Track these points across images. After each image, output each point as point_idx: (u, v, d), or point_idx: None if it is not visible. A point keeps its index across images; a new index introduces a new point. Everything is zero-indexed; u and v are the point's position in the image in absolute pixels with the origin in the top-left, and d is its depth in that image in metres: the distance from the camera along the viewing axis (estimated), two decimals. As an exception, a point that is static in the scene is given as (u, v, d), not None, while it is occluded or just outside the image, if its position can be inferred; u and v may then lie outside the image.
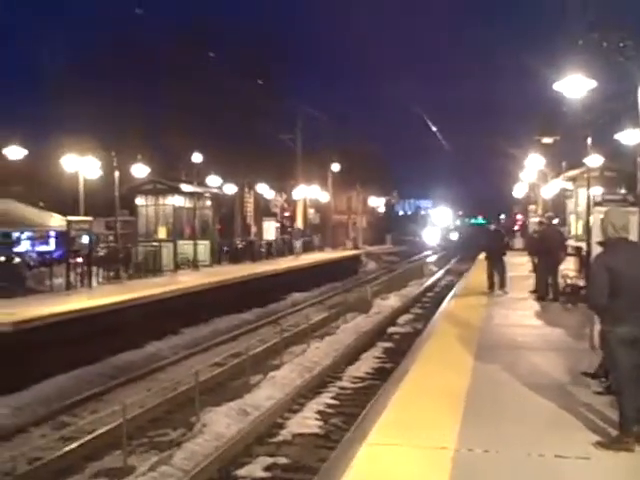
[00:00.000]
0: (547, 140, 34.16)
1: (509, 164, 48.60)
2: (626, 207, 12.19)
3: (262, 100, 40.61)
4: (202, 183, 35.17)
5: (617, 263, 6.15)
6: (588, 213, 17.84)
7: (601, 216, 6.94)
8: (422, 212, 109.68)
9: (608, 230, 6.40)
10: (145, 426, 11.49)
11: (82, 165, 23.77)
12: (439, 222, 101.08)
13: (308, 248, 45.28)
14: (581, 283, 16.77)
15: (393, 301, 27.46)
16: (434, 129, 51.09)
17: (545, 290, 17.04)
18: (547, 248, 16.98)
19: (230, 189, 38.73)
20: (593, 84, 14.03)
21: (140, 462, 9.69)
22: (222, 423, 11.16)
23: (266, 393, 13.08)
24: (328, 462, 7.57)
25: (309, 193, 47.88)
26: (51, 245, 30.52)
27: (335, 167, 52.23)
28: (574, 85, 13.91)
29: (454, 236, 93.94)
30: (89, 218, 22.64)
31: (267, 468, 9.51)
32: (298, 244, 41.66)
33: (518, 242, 44.23)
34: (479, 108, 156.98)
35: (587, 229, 17.10)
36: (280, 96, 44.03)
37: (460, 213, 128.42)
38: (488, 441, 6.27)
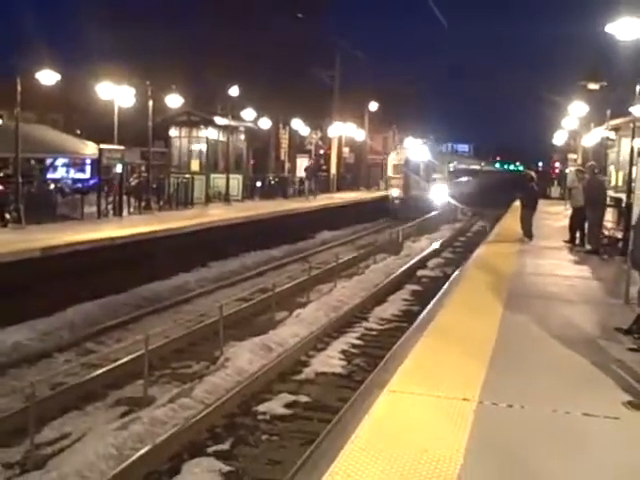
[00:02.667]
0: (593, 86, 32.97)
1: (549, 111, 47.43)
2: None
3: (300, 35, 39.82)
4: (237, 117, 34.84)
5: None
6: (631, 164, 17.28)
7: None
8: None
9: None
10: (168, 357, 11.52)
11: (117, 93, 23.51)
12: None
13: (341, 187, 44.89)
14: (619, 235, 16.32)
15: (424, 244, 27.21)
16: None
17: (596, 242, 16.43)
18: (590, 199, 16.40)
19: (265, 124, 38.32)
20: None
21: (161, 393, 9.70)
22: (245, 358, 11.11)
23: (291, 330, 13.01)
24: (347, 407, 7.43)
25: (345, 131, 47.24)
26: (87, 173, 30.63)
27: (372, 106, 51.21)
28: (627, 27, 13.21)
29: (439, 191, 43.33)
30: (121, 147, 22.51)
31: (288, 405, 9.48)
32: (311, 185, 38.66)
33: (555, 191, 43.45)
34: (521, 51, 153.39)
35: (629, 180, 16.57)
36: (319, 31, 43.11)
37: (498, 158, 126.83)
38: (513, 395, 6.02)
